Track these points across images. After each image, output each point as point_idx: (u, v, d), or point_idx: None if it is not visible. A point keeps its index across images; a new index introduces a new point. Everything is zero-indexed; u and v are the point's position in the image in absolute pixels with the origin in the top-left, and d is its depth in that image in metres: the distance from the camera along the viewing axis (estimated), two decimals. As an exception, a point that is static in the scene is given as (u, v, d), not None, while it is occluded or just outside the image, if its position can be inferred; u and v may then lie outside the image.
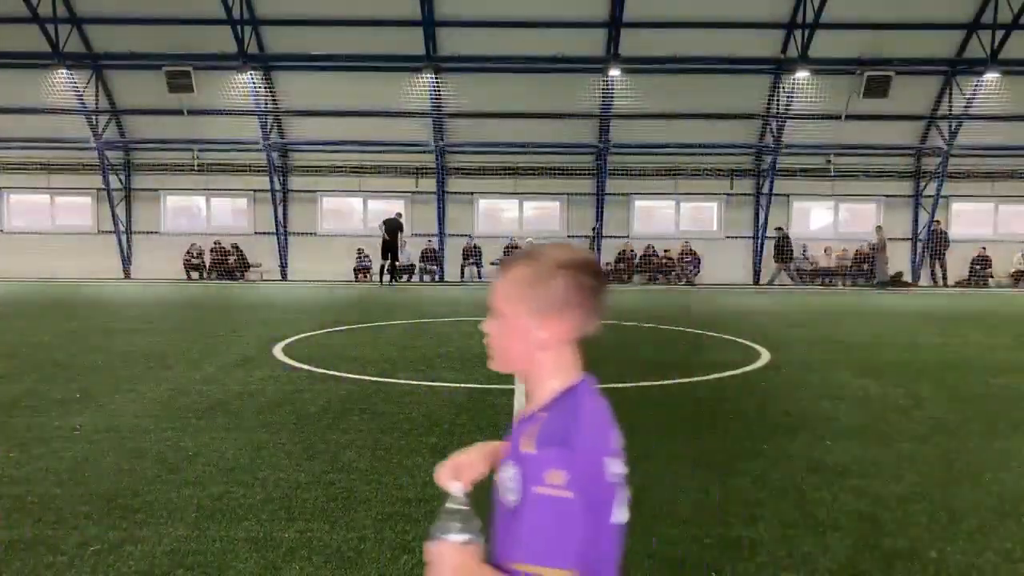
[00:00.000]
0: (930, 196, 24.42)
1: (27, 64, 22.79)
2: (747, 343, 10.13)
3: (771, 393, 7.00)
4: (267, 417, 6.01)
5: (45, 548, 3.50)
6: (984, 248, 24.76)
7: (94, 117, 23.73)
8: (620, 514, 1.35)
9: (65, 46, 22.35)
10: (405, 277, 24.06)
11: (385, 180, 25.11)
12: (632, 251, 24.93)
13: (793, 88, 22.87)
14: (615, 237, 24.89)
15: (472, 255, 24.84)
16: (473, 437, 5.51)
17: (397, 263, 22.91)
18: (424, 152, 24.42)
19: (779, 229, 24.44)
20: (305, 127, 24.42)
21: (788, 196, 25.09)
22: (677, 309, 15.97)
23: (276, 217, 24.69)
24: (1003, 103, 22.80)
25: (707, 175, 24.79)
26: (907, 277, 24.77)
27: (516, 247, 24.66)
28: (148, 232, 25.45)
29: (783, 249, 24.32)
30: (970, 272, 24.72)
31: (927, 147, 24.30)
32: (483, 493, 1.47)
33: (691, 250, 24.82)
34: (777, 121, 23.48)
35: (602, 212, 24.53)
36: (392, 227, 22.23)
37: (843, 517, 3.93)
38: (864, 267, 24.72)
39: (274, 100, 23.69)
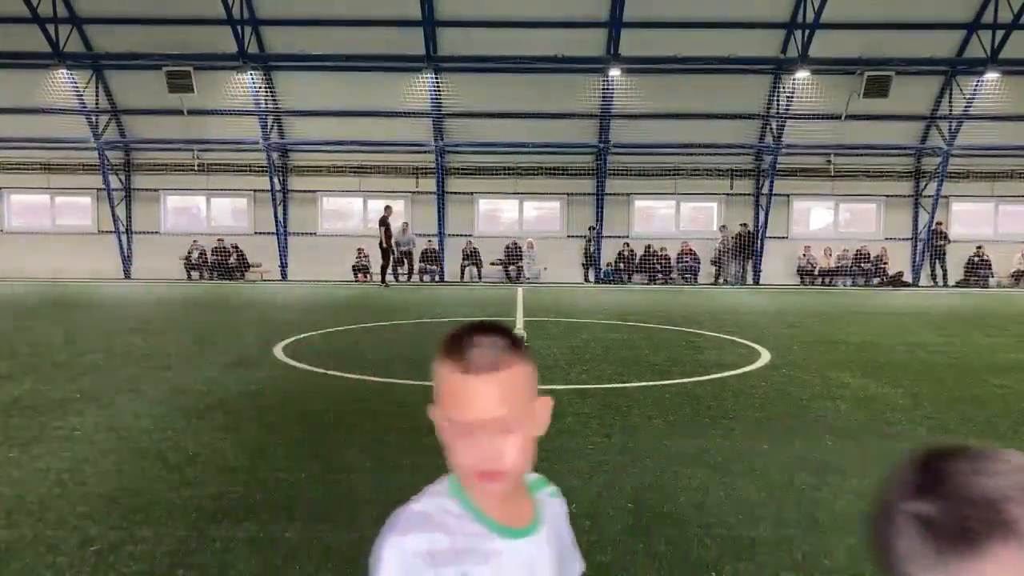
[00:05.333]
0: (930, 196, 24.41)
1: (27, 64, 22.79)
2: (747, 343, 10.12)
3: (771, 393, 7.00)
4: (267, 417, 6.01)
5: (45, 548, 3.49)
6: (984, 248, 24.75)
7: (94, 117, 23.73)
8: None
9: (65, 46, 22.35)
10: (406, 277, 23.95)
11: (385, 180, 25.10)
12: (632, 251, 24.93)
13: (793, 88, 22.86)
14: (615, 237, 24.88)
15: (472, 256, 24.79)
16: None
17: (400, 259, 22.77)
18: (424, 152, 24.42)
19: (723, 227, 24.65)
20: (305, 127, 24.42)
21: (788, 196, 25.09)
22: (677, 309, 15.96)
23: (276, 217, 24.69)
24: (1003, 103, 22.77)
25: (707, 175, 24.80)
26: (907, 277, 24.76)
27: (517, 247, 24.67)
28: (148, 232, 25.45)
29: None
30: (970, 272, 24.70)
31: (927, 147, 24.29)
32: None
33: (691, 250, 24.83)
34: (777, 121, 23.47)
35: (602, 212, 24.53)
36: (380, 222, 21.69)
37: (843, 517, 3.93)
38: (864, 266, 24.71)
39: (274, 100, 23.69)
